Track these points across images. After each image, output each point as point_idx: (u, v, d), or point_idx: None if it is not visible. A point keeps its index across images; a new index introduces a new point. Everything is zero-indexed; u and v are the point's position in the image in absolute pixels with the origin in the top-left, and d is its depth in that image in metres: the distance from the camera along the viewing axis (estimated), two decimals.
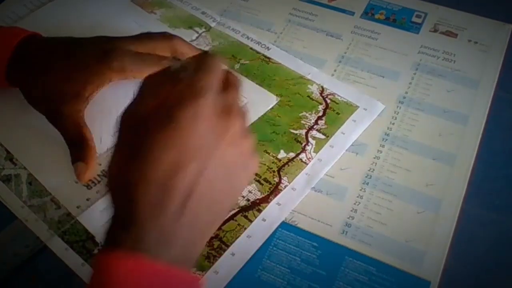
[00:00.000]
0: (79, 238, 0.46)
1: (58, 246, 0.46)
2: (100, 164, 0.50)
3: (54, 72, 0.49)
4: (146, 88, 0.38)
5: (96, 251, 0.45)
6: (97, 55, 0.50)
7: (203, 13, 0.63)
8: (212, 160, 0.36)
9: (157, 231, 0.35)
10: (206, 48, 0.59)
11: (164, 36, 0.52)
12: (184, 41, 0.53)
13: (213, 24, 0.62)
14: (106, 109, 0.53)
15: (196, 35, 0.61)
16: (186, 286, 0.36)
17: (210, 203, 0.37)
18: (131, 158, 0.36)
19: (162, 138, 0.35)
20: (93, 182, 0.49)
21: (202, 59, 0.38)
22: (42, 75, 0.49)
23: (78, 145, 0.49)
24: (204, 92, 0.36)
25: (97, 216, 0.47)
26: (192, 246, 0.37)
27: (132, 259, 0.34)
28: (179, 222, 0.36)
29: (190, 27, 0.62)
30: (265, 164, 0.50)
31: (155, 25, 0.61)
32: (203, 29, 0.61)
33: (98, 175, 0.49)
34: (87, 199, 0.48)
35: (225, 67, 0.39)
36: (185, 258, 0.36)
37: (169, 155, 0.35)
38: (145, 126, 0.36)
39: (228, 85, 0.39)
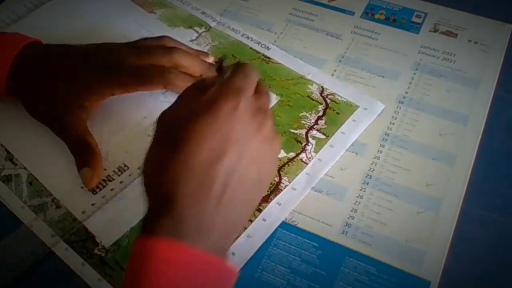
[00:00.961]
0: (79, 238, 0.46)
1: (59, 246, 0.46)
2: (106, 169, 0.50)
3: (54, 84, 0.49)
4: (186, 94, 0.42)
5: (96, 251, 0.45)
6: (98, 69, 0.49)
7: (203, 13, 0.63)
8: (246, 154, 0.39)
9: (196, 218, 0.36)
10: (206, 48, 0.59)
11: (164, 51, 0.51)
12: (185, 52, 0.52)
13: (213, 24, 0.62)
14: (105, 109, 0.53)
15: (196, 34, 0.61)
16: (223, 273, 0.38)
17: (243, 195, 0.39)
18: (171, 151, 0.37)
19: (203, 126, 0.37)
20: (98, 187, 0.49)
21: (240, 66, 0.41)
22: (42, 87, 0.49)
23: (82, 152, 0.49)
24: (243, 91, 0.39)
25: (102, 221, 0.47)
26: (226, 237, 0.39)
27: (171, 243, 0.35)
28: (216, 211, 0.37)
29: (190, 27, 0.62)
30: None
31: (155, 25, 0.61)
32: (203, 29, 0.61)
33: (104, 180, 0.49)
34: (92, 204, 0.48)
35: (258, 75, 0.42)
36: (220, 249, 0.38)
37: (209, 144, 0.37)
38: (185, 120, 0.38)
39: (260, 91, 0.42)
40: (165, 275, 0.35)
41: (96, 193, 0.48)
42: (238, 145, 0.38)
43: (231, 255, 0.44)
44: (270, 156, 0.42)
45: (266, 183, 0.43)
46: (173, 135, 0.38)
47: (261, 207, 0.47)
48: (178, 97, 0.42)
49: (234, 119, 0.38)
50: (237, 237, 0.46)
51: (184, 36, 0.59)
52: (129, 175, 0.49)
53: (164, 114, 0.41)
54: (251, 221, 0.46)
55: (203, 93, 0.40)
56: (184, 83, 0.52)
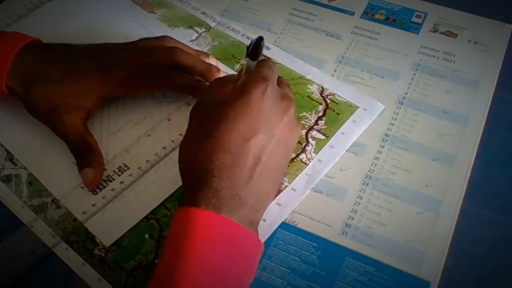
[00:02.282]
0: (79, 238, 0.46)
1: (59, 247, 0.46)
2: (106, 169, 0.50)
3: (54, 84, 0.49)
4: (214, 87, 0.46)
5: (96, 251, 0.45)
6: (99, 69, 0.50)
7: (203, 13, 0.63)
8: (275, 133, 0.43)
9: (230, 191, 0.40)
10: (206, 48, 0.59)
11: (165, 51, 0.51)
12: (185, 52, 0.52)
13: (213, 24, 0.62)
14: (105, 110, 0.53)
15: (196, 35, 0.61)
16: (252, 245, 0.41)
17: (271, 172, 0.43)
18: (207, 131, 0.41)
19: (237, 108, 0.41)
20: (99, 187, 0.49)
21: (263, 60, 0.46)
22: (42, 86, 0.49)
23: (83, 153, 0.49)
24: (269, 79, 0.43)
25: (103, 221, 0.47)
26: (256, 211, 0.42)
27: (210, 213, 0.39)
28: (248, 185, 0.41)
29: (190, 27, 0.62)
30: None
31: (155, 25, 0.61)
32: (203, 29, 0.61)
33: (104, 180, 0.49)
34: (93, 205, 0.48)
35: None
36: (250, 222, 0.41)
37: (242, 123, 0.41)
38: (219, 105, 0.42)
39: (282, 82, 0.47)
40: (205, 241, 0.38)
41: (97, 193, 0.48)
42: (268, 125, 0.42)
43: None
44: (294, 138, 0.46)
45: (287, 163, 0.47)
46: (209, 118, 0.42)
47: None
48: (205, 91, 0.46)
49: (263, 103, 0.42)
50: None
51: (184, 36, 0.59)
52: (130, 175, 0.49)
53: (196, 105, 0.45)
54: None
55: (231, 83, 0.44)
56: (184, 84, 0.52)
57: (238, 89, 0.43)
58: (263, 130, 0.42)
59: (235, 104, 0.42)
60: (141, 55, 0.51)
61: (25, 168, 0.50)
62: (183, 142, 0.44)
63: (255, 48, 0.44)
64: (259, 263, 0.41)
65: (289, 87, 0.49)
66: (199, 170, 0.41)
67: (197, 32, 0.61)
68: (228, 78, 0.47)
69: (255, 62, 0.45)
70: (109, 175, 0.49)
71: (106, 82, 0.50)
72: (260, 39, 0.44)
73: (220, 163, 0.40)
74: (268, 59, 0.47)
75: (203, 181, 0.40)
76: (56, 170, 0.50)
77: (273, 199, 0.47)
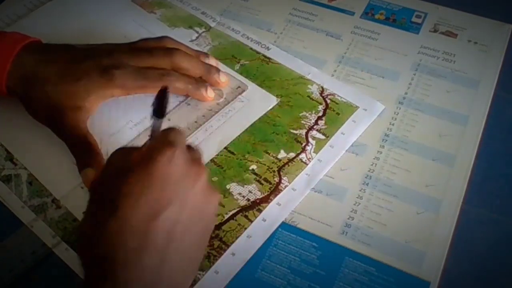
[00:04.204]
0: None
1: (59, 247, 0.46)
2: None
3: (54, 84, 0.49)
4: (118, 153, 0.39)
5: None
6: (99, 70, 0.49)
7: (203, 13, 0.63)
8: (188, 204, 0.37)
9: (139, 280, 0.35)
10: (206, 49, 0.59)
11: (165, 52, 0.51)
12: (185, 53, 0.52)
13: (213, 24, 0.62)
14: (105, 110, 0.53)
15: (196, 35, 0.61)
16: None
17: (189, 245, 0.38)
18: (109, 210, 0.35)
19: (141, 180, 0.36)
20: None
21: (169, 128, 0.39)
22: (42, 87, 0.49)
23: (84, 153, 0.49)
24: (176, 144, 0.37)
25: None
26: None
27: None
28: (161, 267, 0.36)
29: (190, 27, 0.62)
30: (265, 164, 0.50)
31: (155, 25, 0.61)
32: (203, 29, 0.61)
33: None
34: None
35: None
36: None
37: (147, 200, 0.35)
38: (120, 179, 0.36)
39: (190, 147, 0.40)
40: None
41: None
42: (178, 196, 0.37)
43: (231, 255, 0.44)
44: (211, 207, 0.40)
45: (208, 235, 0.41)
46: (111, 193, 0.36)
47: (261, 207, 0.47)
48: (108, 160, 0.39)
49: (171, 171, 0.37)
50: (238, 237, 0.46)
51: (184, 36, 0.59)
52: None
53: (96, 180, 0.40)
54: (251, 221, 0.47)
55: (135, 151, 0.38)
56: (184, 86, 0.52)
57: (142, 159, 0.37)
58: (172, 202, 0.36)
59: (139, 177, 0.36)
60: (141, 56, 0.51)
61: (25, 168, 0.50)
62: (83, 220, 0.38)
63: (159, 102, 0.38)
64: (259, 264, 0.41)
65: (198, 152, 0.41)
66: (102, 257, 0.35)
67: (197, 32, 0.61)
68: (128, 147, 0.41)
69: (161, 120, 0.39)
70: None
71: (105, 83, 0.49)
72: (164, 91, 0.38)
73: (126, 249, 0.35)
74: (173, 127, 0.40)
75: (106, 271, 0.34)
76: (56, 170, 0.50)
77: (197, 270, 0.42)
